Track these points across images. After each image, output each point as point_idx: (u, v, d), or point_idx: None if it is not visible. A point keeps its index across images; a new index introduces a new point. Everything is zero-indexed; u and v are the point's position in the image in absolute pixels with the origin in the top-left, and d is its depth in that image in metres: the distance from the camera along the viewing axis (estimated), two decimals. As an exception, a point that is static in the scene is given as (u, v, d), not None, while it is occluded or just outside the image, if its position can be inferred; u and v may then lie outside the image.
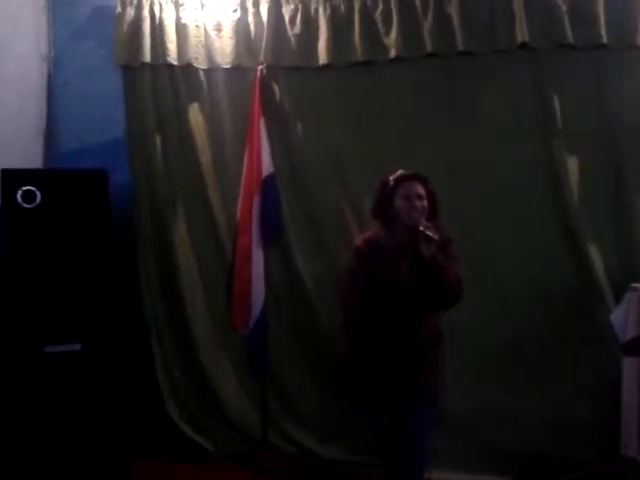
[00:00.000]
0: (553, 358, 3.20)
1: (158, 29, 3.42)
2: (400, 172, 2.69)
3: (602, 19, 3.09)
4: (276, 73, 3.40)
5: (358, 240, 2.77)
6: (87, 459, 3.03)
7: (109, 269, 3.14)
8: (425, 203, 2.63)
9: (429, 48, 3.23)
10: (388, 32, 3.26)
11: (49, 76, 3.63)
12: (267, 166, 3.33)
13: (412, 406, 2.66)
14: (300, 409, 3.44)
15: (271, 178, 3.34)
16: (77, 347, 3.05)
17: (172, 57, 3.43)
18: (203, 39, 3.43)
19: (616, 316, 3.04)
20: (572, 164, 3.21)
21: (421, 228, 2.51)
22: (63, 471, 2.97)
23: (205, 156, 3.47)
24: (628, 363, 3.01)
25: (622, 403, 3.04)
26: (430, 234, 2.49)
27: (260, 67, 3.36)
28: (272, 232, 3.36)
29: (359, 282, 2.67)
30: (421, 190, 2.64)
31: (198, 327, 3.50)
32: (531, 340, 3.21)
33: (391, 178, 2.68)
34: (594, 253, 3.17)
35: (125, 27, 3.42)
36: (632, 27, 3.10)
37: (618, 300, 3.08)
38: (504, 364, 3.22)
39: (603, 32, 3.10)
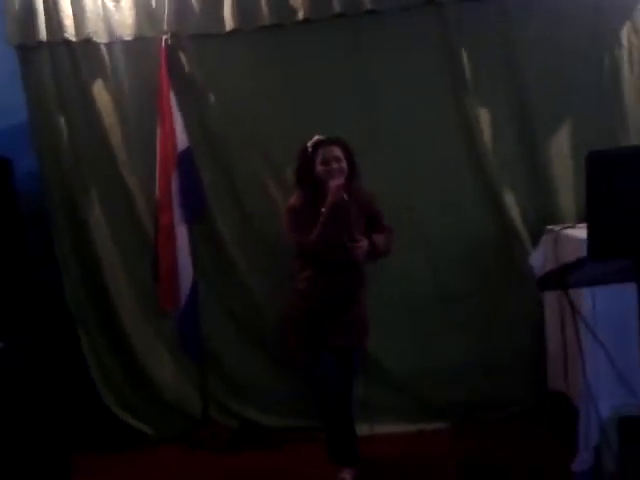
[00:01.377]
0: (478, 304, 3.31)
1: (52, 4, 3.24)
2: (317, 137, 2.77)
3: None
4: (182, 42, 3.29)
5: (290, 201, 2.83)
6: (22, 458, 2.92)
7: (23, 261, 3.01)
8: (344, 164, 2.74)
9: (336, 8, 3.20)
10: (294, -7, 3.21)
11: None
12: (182, 140, 3.24)
13: (352, 349, 2.88)
14: (238, 382, 3.44)
15: (187, 152, 3.26)
16: (0, 346, 2.92)
17: (70, 33, 3.26)
18: (101, 12, 3.27)
19: (535, 258, 3.16)
20: (483, 116, 3.27)
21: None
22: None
23: (115, 134, 3.34)
24: (549, 301, 3.15)
25: (547, 340, 3.19)
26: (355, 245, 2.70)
27: (164, 37, 3.24)
28: (195, 207, 3.29)
29: (304, 217, 2.72)
30: (338, 152, 2.74)
31: (125, 312, 3.42)
32: (455, 288, 3.31)
33: (308, 144, 2.76)
34: (509, 200, 3.27)
35: (16, 4, 3.23)
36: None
37: (535, 243, 3.21)
38: (430, 313, 3.31)
39: (505, -19, 3.15)
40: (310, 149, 2.75)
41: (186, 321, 3.32)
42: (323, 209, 2.66)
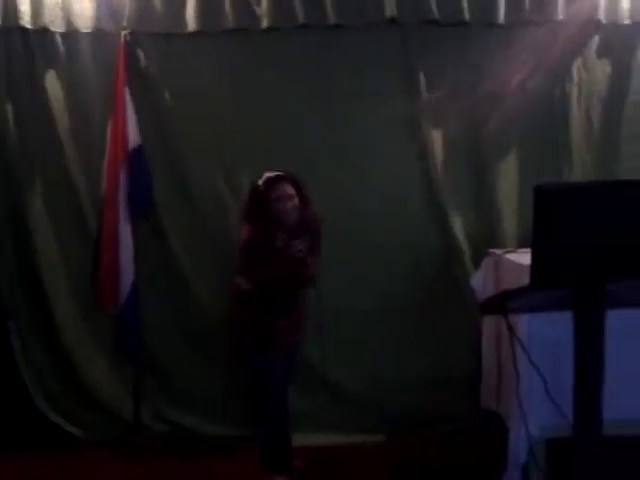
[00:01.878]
0: (421, 321, 3.37)
1: (8, -11, 3.14)
2: (266, 175, 2.78)
3: (465, -2, 3.23)
4: (141, 39, 3.25)
5: (243, 236, 2.80)
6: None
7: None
8: (296, 201, 2.79)
9: (301, 19, 3.23)
10: (259, 1, 3.21)
11: None
12: (134, 137, 3.19)
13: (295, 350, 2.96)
14: (174, 386, 3.40)
15: (138, 150, 3.20)
16: None
17: (25, 20, 3.17)
18: (60, 1, 3.19)
19: (476, 280, 3.25)
20: (437, 136, 3.36)
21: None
22: None
23: (63, 126, 3.26)
24: (486, 323, 3.24)
25: (482, 360, 3.27)
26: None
27: (124, 32, 3.19)
28: (141, 206, 3.23)
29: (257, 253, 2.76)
30: (290, 190, 2.78)
31: (60, 309, 3.34)
32: (397, 304, 3.36)
33: (260, 182, 2.78)
34: (456, 220, 3.36)
35: (-30, -14, 3.12)
36: (492, 5, 3.27)
37: (478, 264, 3.29)
38: (372, 327, 3.36)
39: (466, 10, 3.25)
40: (262, 188, 2.77)
41: (125, 321, 3.25)
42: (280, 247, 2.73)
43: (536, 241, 1.48)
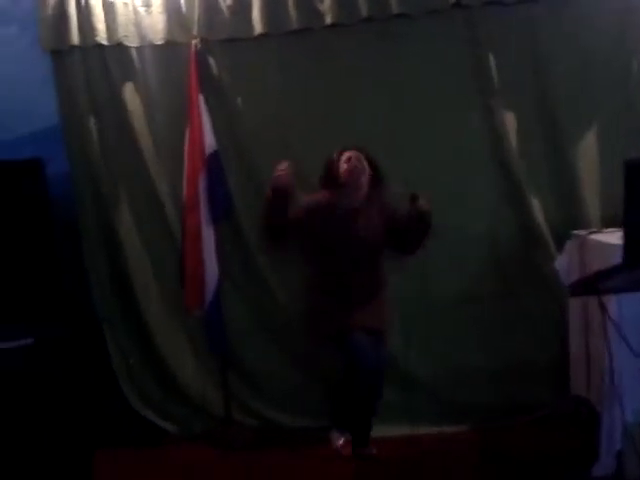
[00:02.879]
0: (502, 307, 3.32)
1: (84, 9, 3.30)
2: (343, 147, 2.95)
3: (529, -27, 3.15)
4: (211, 46, 3.34)
5: (310, 199, 2.96)
6: (46, 453, 2.98)
7: (53, 260, 3.06)
8: (365, 165, 2.91)
9: (364, 13, 3.23)
10: (322, -2, 3.24)
11: (-28, 66, 3.47)
12: (210, 143, 3.28)
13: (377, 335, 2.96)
14: (261, 383, 3.48)
15: (215, 155, 3.30)
16: (30, 342, 2.98)
17: (101, 37, 3.32)
18: (132, 16, 3.34)
19: (560, 263, 3.16)
20: (510, 119, 3.29)
21: (421, 207, 2.85)
22: (22, 466, 2.89)
23: (144, 137, 3.40)
24: (573, 306, 3.15)
25: (570, 345, 3.19)
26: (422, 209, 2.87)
27: (194, 41, 3.29)
28: (221, 210, 3.32)
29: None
30: (361, 157, 2.91)
31: (151, 312, 3.48)
32: (480, 291, 3.31)
33: (335, 152, 2.94)
34: (535, 205, 3.28)
35: (49, 10, 3.30)
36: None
37: (560, 248, 3.21)
38: (454, 316, 3.32)
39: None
40: (335, 154, 2.92)
41: (211, 321, 3.36)
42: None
43: (628, 217, 1.44)
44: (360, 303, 2.90)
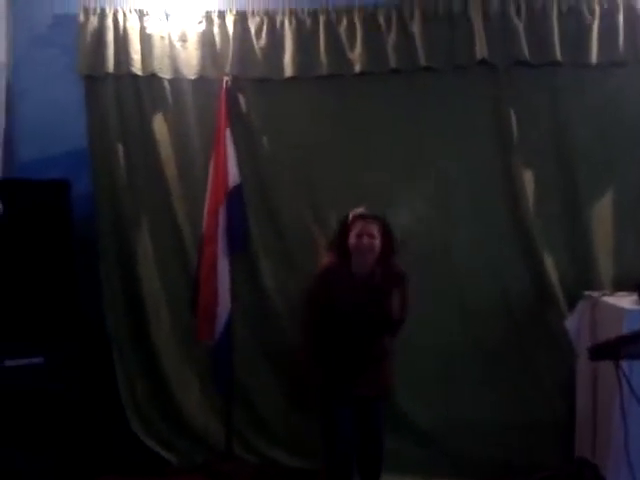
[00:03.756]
0: (511, 363, 3.33)
1: (122, 39, 3.40)
2: (360, 210, 2.90)
3: (556, 38, 3.24)
4: (242, 84, 3.43)
5: (319, 269, 2.93)
6: (48, 474, 2.97)
7: (70, 282, 3.11)
8: (376, 242, 2.80)
9: (392, 64, 3.32)
10: (353, 47, 3.33)
11: (8, 84, 3.55)
12: (234, 177, 3.35)
13: (373, 402, 2.88)
14: (265, 420, 3.46)
15: (237, 189, 3.36)
16: (39, 360, 3.00)
17: (136, 67, 3.41)
18: (168, 50, 3.43)
19: (570, 322, 3.19)
20: (528, 177, 3.34)
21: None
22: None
23: (169, 167, 3.46)
24: (582, 367, 3.15)
25: (577, 406, 3.18)
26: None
27: (225, 78, 3.38)
28: (238, 243, 3.37)
29: (316, 307, 2.86)
30: (374, 230, 2.81)
31: (161, 339, 3.48)
32: (489, 346, 3.33)
33: (350, 215, 2.88)
34: (549, 263, 3.31)
35: (88, 37, 3.40)
36: (585, 46, 3.26)
37: (571, 306, 3.24)
38: (463, 371, 3.33)
39: (557, 50, 3.25)
40: (350, 219, 2.87)
41: (220, 353, 3.37)
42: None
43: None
44: (359, 371, 2.81)
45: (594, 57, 3.26)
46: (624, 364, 2.33)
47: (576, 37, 3.26)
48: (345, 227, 2.86)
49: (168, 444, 3.47)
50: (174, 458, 3.44)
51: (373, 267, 2.80)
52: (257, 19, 3.39)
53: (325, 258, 2.97)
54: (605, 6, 3.25)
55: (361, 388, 2.82)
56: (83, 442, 3.10)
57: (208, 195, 3.35)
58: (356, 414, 2.85)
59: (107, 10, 3.39)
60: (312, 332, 2.87)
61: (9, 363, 2.93)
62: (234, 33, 3.38)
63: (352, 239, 2.81)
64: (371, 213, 2.87)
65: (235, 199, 3.35)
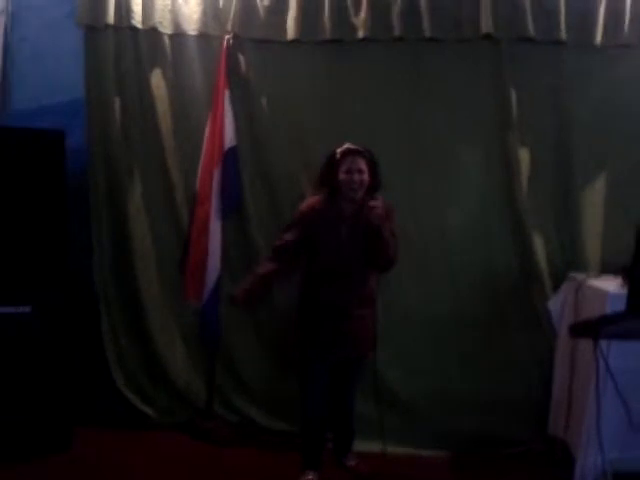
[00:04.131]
0: (494, 340, 3.36)
1: (124, -10, 3.34)
2: (346, 146, 2.85)
3: (563, 17, 3.21)
4: (243, 44, 3.38)
5: (303, 205, 2.93)
6: (29, 423, 3.02)
7: (62, 233, 3.11)
8: (365, 177, 2.81)
9: (397, 32, 3.28)
10: (357, 12, 3.28)
11: (5, 31, 3.49)
12: (230, 138, 3.32)
13: (350, 359, 2.95)
14: (247, 381, 3.50)
15: (233, 150, 3.34)
16: (27, 309, 3.01)
17: (137, 20, 3.36)
18: (170, 4, 3.37)
19: (553, 303, 3.23)
20: (524, 156, 3.34)
21: (371, 204, 2.75)
22: (4, 433, 2.96)
23: (165, 123, 3.43)
24: (561, 347, 3.20)
25: (553, 385, 3.23)
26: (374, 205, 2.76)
27: (227, 37, 3.33)
28: (231, 205, 3.36)
29: (293, 231, 2.89)
30: (362, 165, 2.81)
31: (148, 296, 3.50)
32: (474, 322, 3.36)
33: (337, 151, 2.84)
34: (537, 241, 3.33)
35: (89, -15, 3.33)
36: (590, 27, 3.23)
37: (557, 288, 3.27)
38: (448, 344, 3.36)
39: (563, 29, 3.22)
40: (338, 156, 2.83)
41: (207, 312, 3.39)
42: None
43: (635, 269, 1.49)
44: (346, 316, 2.83)
45: (599, 39, 3.23)
46: (602, 345, 2.42)
47: (582, 17, 3.23)
48: (333, 163, 2.83)
49: (150, 399, 3.50)
50: (155, 413, 3.49)
51: (361, 202, 2.81)
52: (262, -22, 3.33)
53: (310, 197, 2.95)
54: (612, -13, 3.21)
55: (343, 348, 2.85)
56: (65, 392, 3.13)
57: (203, 155, 3.34)
58: (334, 373, 2.92)
59: (109, -40, 3.32)
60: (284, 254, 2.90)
61: (-4, 310, 2.94)
62: (237, -10, 3.32)
63: (342, 175, 2.80)
64: (357, 146, 2.84)
65: (230, 161, 3.33)
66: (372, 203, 2.77)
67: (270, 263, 2.95)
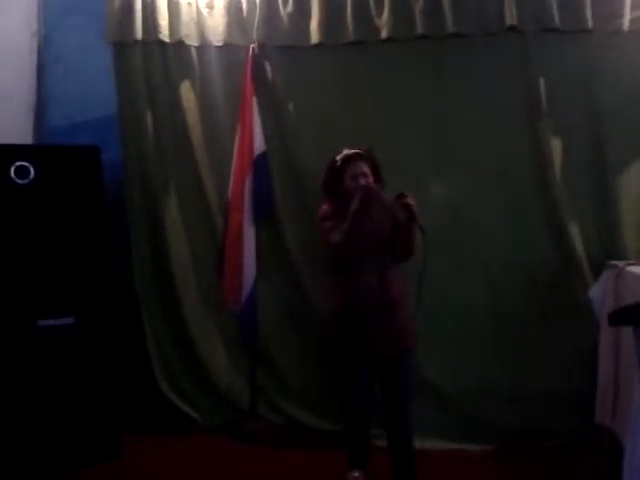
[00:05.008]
0: (534, 332, 3.33)
1: (150, 6, 3.43)
2: (345, 152, 2.83)
3: (588, 4, 3.18)
4: (268, 52, 3.43)
5: (322, 209, 2.87)
6: (78, 433, 3.08)
7: (101, 245, 3.19)
8: (370, 179, 2.80)
9: (420, 30, 3.29)
10: (380, 13, 3.30)
11: (39, 52, 3.61)
12: (259, 144, 3.37)
13: (394, 360, 2.78)
14: (289, 381, 3.53)
15: (263, 157, 3.39)
16: (70, 321, 3.09)
17: (164, 34, 3.44)
18: (195, 16, 3.45)
19: (594, 292, 3.18)
20: (556, 145, 3.31)
21: (407, 201, 2.70)
22: (54, 444, 3.02)
23: (196, 134, 3.50)
24: (604, 336, 3.15)
25: (598, 374, 3.19)
26: (408, 202, 2.71)
27: (252, 45, 3.38)
28: (264, 210, 3.41)
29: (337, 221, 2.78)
30: (365, 168, 2.80)
31: (188, 303, 3.56)
32: (513, 315, 3.33)
33: (337, 158, 2.83)
34: (574, 231, 3.29)
35: (116, 3, 3.43)
36: (616, 13, 3.19)
37: (596, 276, 3.23)
38: (486, 338, 3.34)
39: (589, 17, 3.19)
40: (339, 163, 2.82)
41: (245, 317, 3.43)
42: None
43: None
44: (377, 319, 2.73)
45: (626, 25, 3.19)
46: None
47: (608, 4, 3.19)
48: (335, 170, 2.83)
49: (194, 403, 3.56)
50: (200, 417, 3.54)
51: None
52: (284, -15, 3.37)
53: (323, 205, 2.90)
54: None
55: (380, 347, 2.74)
56: (113, 401, 3.19)
57: (234, 163, 3.39)
58: (378, 373, 2.83)
59: (135, -23, 3.40)
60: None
61: (41, 323, 3.03)
62: (261, 0, 3.37)
63: (348, 182, 2.79)
64: (355, 150, 2.82)
65: (260, 167, 3.38)
66: (407, 200, 2.71)
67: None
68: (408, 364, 2.85)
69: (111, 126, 3.53)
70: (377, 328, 2.74)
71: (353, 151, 2.82)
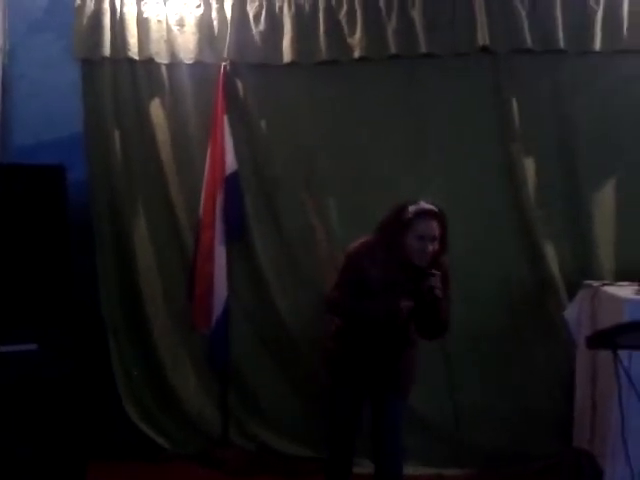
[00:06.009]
0: (509, 354, 3.31)
1: (119, 23, 3.35)
2: (421, 205, 2.49)
3: (560, 24, 3.19)
4: (240, 70, 3.38)
5: (352, 245, 2.63)
6: (41, 460, 2.95)
7: (66, 267, 3.07)
8: (437, 245, 2.49)
9: (392, 49, 3.27)
10: (352, 32, 3.28)
11: (3, 69, 3.51)
12: (230, 164, 3.32)
13: (388, 399, 2.63)
14: (261, 406, 3.45)
15: (234, 176, 3.33)
16: (33, 347, 2.97)
17: (133, 51, 3.37)
18: (165, 34, 3.38)
19: (570, 312, 3.17)
20: (529, 166, 3.31)
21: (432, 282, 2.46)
22: (16, 471, 2.89)
23: (166, 152, 3.43)
24: (581, 357, 3.13)
25: (575, 397, 3.16)
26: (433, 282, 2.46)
27: (223, 63, 3.34)
28: (235, 230, 3.35)
29: (347, 281, 2.59)
30: (436, 231, 2.49)
31: (157, 325, 3.47)
32: (488, 337, 3.30)
33: (410, 209, 2.48)
34: (549, 252, 3.28)
35: (85, 20, 3.35)
36: (588, 33, 3.20)
37: (572, 296, 3.21)
38: (462, 361, 3.28)
39: (560, 37, 3.20)
40: (410, 216, 2.46)
41: (216, 340, 3.35)
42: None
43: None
44: (382, 359, 2.58)
45: (598, 45, 3.21)
46: (624, 354, 2.35)
47: (580, 25, 3.20)
48: (404, 221, 2.46)
49: (163, 430, 3.46)
50: (169, 444, 3.44)
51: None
52: (256, 3, 3.32)
53: (362, 238, 2.61)
54: (610, -7, 3.20)
55: (376, 382, 2.61)
56: (77, 427, 3.07)
57: (205, 182, 3.33)
58: (371, 406, 2.66)
59: (104, -7, 3.34)
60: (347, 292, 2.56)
61: (2, 349, 2.90)
62: (232, 17, 3.32)
63: (412, 240, 2.45)
64: (430, 205, 2.50)
65: (232, 186, 3.32)
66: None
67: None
68: (400, 407, 2.69)
69: (78, 145, 3.44)
70: (378, 369, 2.59)
71: (429, 207, 2.48)
